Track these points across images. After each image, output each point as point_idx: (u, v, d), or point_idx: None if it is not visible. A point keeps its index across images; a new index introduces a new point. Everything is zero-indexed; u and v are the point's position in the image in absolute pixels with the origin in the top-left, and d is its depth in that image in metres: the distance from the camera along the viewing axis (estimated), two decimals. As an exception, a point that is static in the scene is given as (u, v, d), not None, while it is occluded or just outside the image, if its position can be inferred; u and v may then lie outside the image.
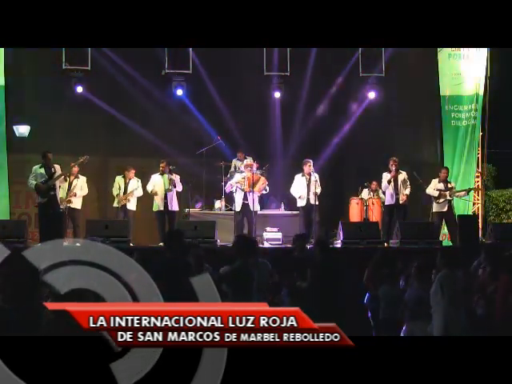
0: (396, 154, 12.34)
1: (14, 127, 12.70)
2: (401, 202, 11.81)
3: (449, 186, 12.12)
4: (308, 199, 11.66)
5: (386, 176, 11.92)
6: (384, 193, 12.25)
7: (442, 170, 12.35)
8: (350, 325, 7.49)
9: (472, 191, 13.55)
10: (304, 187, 11.71)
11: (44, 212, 10.76)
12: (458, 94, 14.02)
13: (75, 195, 11.57)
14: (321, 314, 7.05)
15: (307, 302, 7.28)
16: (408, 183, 11.94)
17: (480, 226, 12.53)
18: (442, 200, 11.95)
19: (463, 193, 12.81)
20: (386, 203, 12.11)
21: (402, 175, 11.94)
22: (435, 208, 12.04)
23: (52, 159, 11.09)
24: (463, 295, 6.02)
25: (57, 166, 11.17)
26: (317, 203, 11.66)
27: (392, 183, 11.81)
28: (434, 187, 12.09)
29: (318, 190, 11.71)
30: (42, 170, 11.06)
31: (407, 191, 11.88)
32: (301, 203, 11.74)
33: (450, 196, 11.99)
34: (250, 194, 11.43)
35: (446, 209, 11.92)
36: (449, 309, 5.95)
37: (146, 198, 12.18)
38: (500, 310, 6.12)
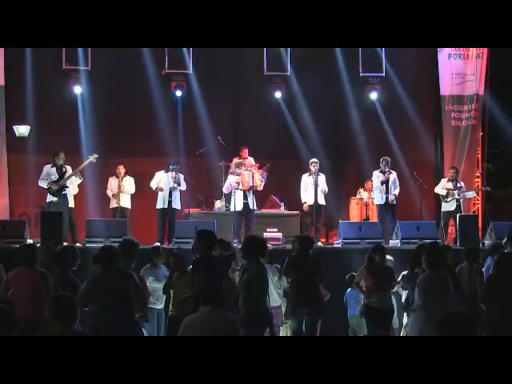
0: (387, 154, 12.41)
1: (14, 127, 12.70)
2: (389, 201, 11.82)
3: (458, 185, 12.14)
4: (316, 199, 11.67)
5: (377, 175, 11.95)
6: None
7: (450, 170, 12.41)
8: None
9: (481, 191, 13.57)
10: (311, 187, 11.73)
11: (45, 212, 10.75)
12: (458, 93, 14.03)
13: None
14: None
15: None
16: (397, 183, 11.96)
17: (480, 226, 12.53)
18: (449, 199, 11.99)
19: (472, 192, 12.84)
20: (375, 202, 12.15)
21: (393, 175, 11.97)
22: (444, 207, 12.11)
23: (63, 159, 11.10)
24: (445, 297, 5.95)
25: (68, 166, 11.18)
26: (324, 203, 11.71)
27: (384, 184, 11.84)
28: (442, 186, 12.14)
29: (326, 189, 11.76)
30: (54, 170, 11.06)
31: (396, 191, 11.90)
32: (309, 202, 11.73)
33: (458, 195, 12.01)
34: (249, 193, 11.46)
35: (454, 208, 11.95)
36: (426, 312, 5.91)
37: (145, 197, 12.22)
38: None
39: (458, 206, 12.02)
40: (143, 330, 7.06)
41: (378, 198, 11.98)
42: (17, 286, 6.49)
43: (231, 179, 11.74)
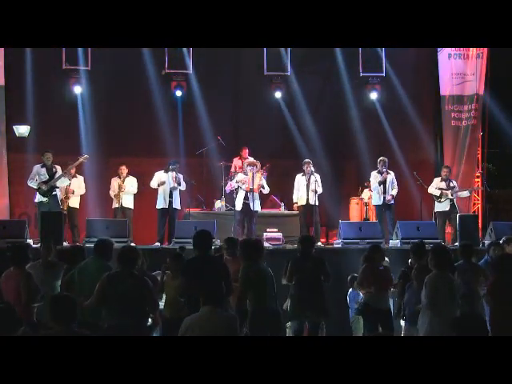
0: (387, 154, 12.42)
1: (14, 127, 12.69)
2: (386, 201, 11.81)
3: (451, 184, 12.07)
4: (308, 199, 11.67)
5: (375, 175, 11.93)
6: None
7: (444, 169, 12.32)
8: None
9: (480, 190, 13.51)
10: (304, 187, 11.73)
11: (45, 212, 10.75)
12: (458, 93, 14.03)
13: (73, 192, 11.57)
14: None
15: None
16: (395, 183, 11.94)
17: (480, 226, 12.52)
18: (443, 199, 11.90)
19: (466, 192, 12.76)
20: (373, 203, 12.13)
21: (391, 175, 11.94)
22: (437, 208, 11.99)
23: (52, 159, 11.11)
24: (452, 296, 5.96)
25: (57, 166, 11.18)
26: (317, 203, 11.68)
27: (382, 184, 11.84)
28: (435, 186, 12.06)
29: (320, 190, 11.72)
30: (44, 170, 11.06)
31: (394, 191, 11.87)
32: (300, 202, 11.76)
33: (451, 195, 11.93)
34: (251, 194, 11.43)
35: (448, 208, 11.86)
36: (433, 311, 5.93)
37: (145, 197, 12.21)
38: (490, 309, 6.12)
39: (453, 206, 11.91)
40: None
41: (376, 198, 11.97)
42: (5, 287, 6.53)
43: (238, 177, 11.70)
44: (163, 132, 13.17)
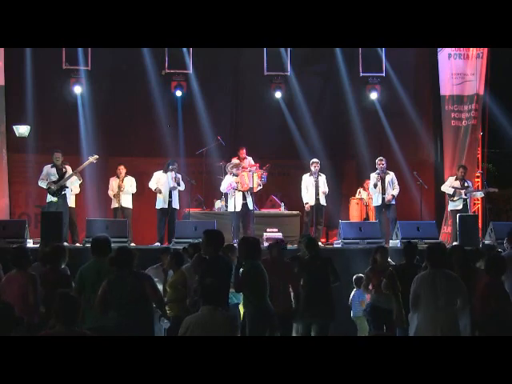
0: (387, 154, 12.40)
1: (14, 127, 12.69)
2: (386, 202, 11.79)
3: (465, 184, 12.09)
4: (318, 199, 11.68)
5: (373, 177, 11.92)
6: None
7: (460, 168, 12.33)
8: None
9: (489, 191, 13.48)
10: (312, 187, 11.73)
11: (45, 212, 10.73)
12: (458, 93, 14.02)
13: (71, 191, 11.58)
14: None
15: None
16: (396, 183, 11.91)
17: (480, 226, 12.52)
18: (456, 198, 11.92)
19: (480, 192, 12.75)
20: (373, 204, 12.12)
21: (390, 175, 11.90)
22: (450, 206, 12.05)
23: (62, 158, 11.10)
24: (439, 296, 5.93)
25: (68, 166, 11.18)
26: (325, 204, 11.72)
27: (379, 185, 11.81)
28: (449, 185, 12.08)
29: (326, 190, 11.76)
30: (54, 170, 11.05)
31: (394, 192, 11.83)
32: (311, 202, 11.75)
33: (465, 195, 11.95)
34: (248, 193, 11.46)
35: (460, 207, 11.88)
36: (415, 311, 5.91)
37: (145, 197, 12.21)
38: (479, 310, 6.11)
39: (465, 206, 11.95)
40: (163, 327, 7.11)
41: (375, 199, 11.95)
42: (7, 289, 6.51)
43: (230, 179, 11.72)
44: (163, 132, 13.18)
